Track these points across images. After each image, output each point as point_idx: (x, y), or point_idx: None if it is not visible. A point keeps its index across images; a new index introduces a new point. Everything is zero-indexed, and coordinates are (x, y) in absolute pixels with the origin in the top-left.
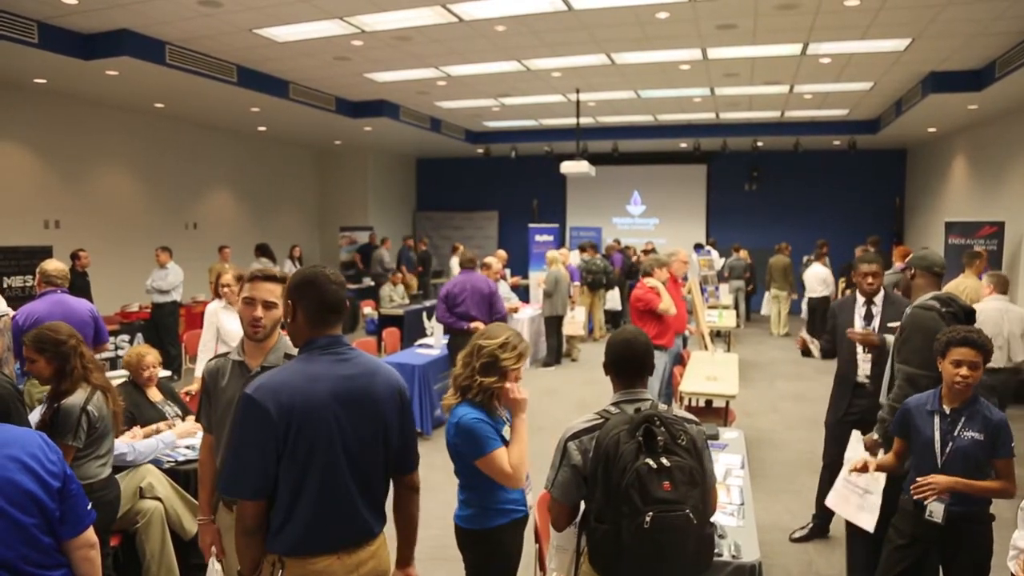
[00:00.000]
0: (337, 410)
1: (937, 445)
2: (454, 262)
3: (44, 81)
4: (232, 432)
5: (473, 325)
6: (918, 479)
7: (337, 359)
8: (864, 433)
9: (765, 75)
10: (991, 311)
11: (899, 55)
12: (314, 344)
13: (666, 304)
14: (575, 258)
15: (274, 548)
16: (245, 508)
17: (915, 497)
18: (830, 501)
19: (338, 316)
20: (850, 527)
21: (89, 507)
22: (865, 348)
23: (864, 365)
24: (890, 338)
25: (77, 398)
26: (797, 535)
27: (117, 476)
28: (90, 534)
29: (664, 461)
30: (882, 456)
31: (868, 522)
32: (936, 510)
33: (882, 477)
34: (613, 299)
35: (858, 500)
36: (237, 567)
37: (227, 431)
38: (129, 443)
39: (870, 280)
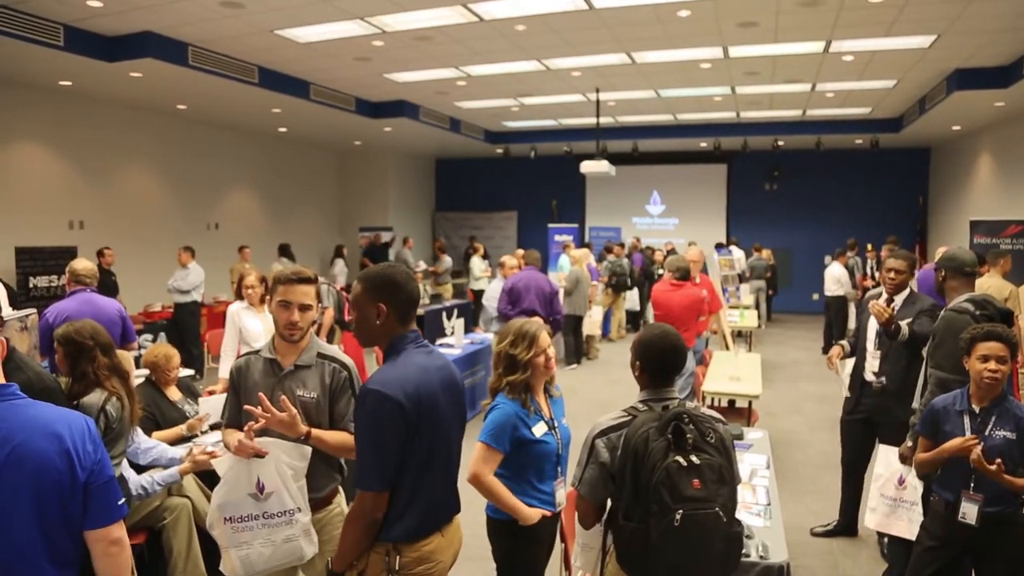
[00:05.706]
0: (445, 399)
1: None
2: (475, 262)
3: (69, 83)
4: (363, 428)
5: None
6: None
7: (427, 352)
8: (871, 432)
9: (787, 73)
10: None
11: (924, 52)
12: (406, 339)
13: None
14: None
15: (390, 536)
16: (377, 500)
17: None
18: (875, 523)
19: (416, 311)
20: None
21: (121, 503)
22: (878, 334)
23: (872, 361)
24: (906, 327)
25: (96, 398)
26: (818, 530)
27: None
28: (114, 529)
29: (694, 459)
30: (918, 456)
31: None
32: (970, 511)
33: (921, 485)
34: (632, 299)
35: (907, 514)
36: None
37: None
38: (149, 478)
39: (892, 276)
